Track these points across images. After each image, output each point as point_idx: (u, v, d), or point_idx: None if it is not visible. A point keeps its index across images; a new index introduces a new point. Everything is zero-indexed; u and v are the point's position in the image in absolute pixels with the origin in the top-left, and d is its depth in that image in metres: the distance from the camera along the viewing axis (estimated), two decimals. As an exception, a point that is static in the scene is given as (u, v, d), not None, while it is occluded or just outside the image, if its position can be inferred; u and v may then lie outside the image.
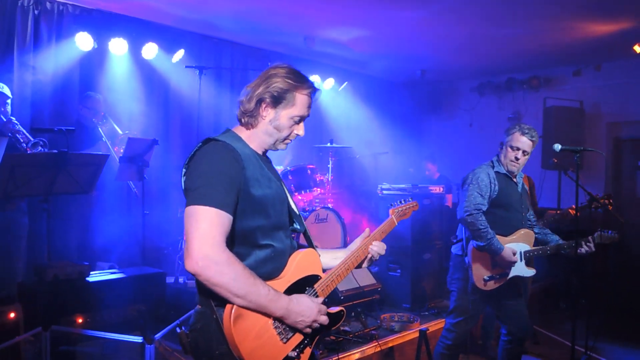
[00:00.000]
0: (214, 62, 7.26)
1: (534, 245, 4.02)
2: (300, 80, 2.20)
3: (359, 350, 4.49)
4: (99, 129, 5.59)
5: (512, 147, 3.94)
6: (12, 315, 3.94)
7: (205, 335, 2.02)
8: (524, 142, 3.90)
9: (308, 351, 2.16)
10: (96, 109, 5.58)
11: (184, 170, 2.11)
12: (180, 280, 5.67)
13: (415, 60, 8.40)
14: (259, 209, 2.06)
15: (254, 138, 2.22)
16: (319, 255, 2.31)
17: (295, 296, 2.06)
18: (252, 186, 2.04)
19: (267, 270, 2.07)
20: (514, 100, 9.06)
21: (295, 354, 2.08)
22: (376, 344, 4.63)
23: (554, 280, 4.61)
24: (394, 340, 4.85)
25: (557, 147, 3.86)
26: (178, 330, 2.09)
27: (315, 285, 2.21)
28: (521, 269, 3.94)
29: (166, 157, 6.71)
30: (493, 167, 4.06)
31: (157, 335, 3.84)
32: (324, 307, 2.14)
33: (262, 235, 2.08)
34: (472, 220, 3.81)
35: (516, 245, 3.90)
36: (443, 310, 5.68)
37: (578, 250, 3.98)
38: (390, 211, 2.76)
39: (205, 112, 6.77)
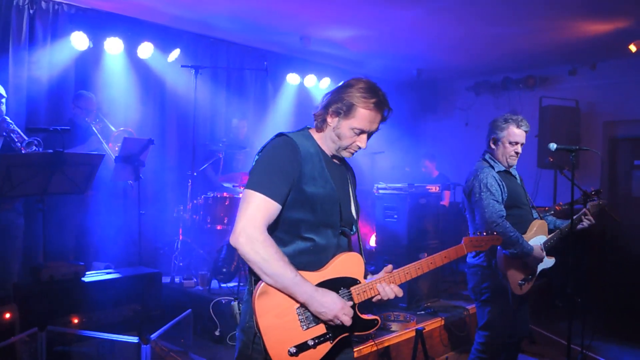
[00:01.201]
0: (210, 61, 7.25)
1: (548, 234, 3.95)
2: (367, 96, 2.25)
3: (356, 349, 4.47)
4: (93, 128, 5.58)
5: (510, 143, 3.82)
6: (7, 315, 3.93)
7: (245, 307, 2.27)
8: (520, 134, 3.82)
9: (327, 346, 2.20)
10: (88, 108, 5.56)
11: (256, 156, 2.29)
12: (177, 280, 5.67)
13: (412, 59, 8.41)
14: (307, 204, 2.21)
15: (323, 141, 2.37)
16: (364, 262, 2.36)
17: (322, 289, 2.17)
18: (306, 183, 2.21)
19: (304, 262, 2.20)
20: (510, 99, 9.07)
21: (313, 343, 2.16)
22: (372, 343, 4.63)
23: (550, 279, 4.63)
24: (390, 339, 4.85)
25: (553, 146, 3.84)
26: (233, 302, 2.46)
27: (352, 288, 2.27)
28: (545, 262, 3.87)
29: (162, 157, 6.70)
30: (492, 167, 3.89)
31: (153, 336, 3.83)
32: (349, 309, 2.20)
33: (306, 228, 2.23)
34: (501, 230, 3.61)
35: (537, 239, 3.83)
36: (439, 310, 5.70)
37: (580, 225, 3.96)
38: (464, 239, 2.61)
39: (201, 111, 6.77)
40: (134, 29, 6.33)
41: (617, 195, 8.10)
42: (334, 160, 2.40)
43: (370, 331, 2.35)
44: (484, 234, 2.73)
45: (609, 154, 8.21)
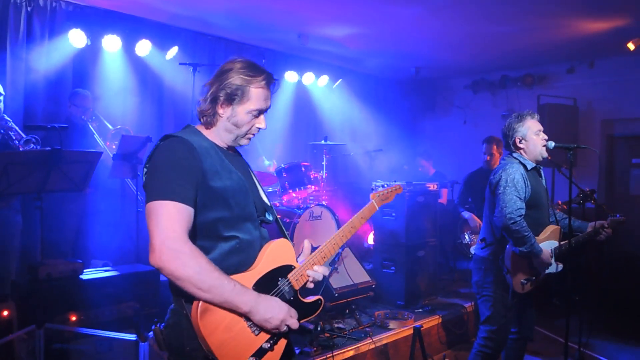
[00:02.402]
0: (208, 59, 7.23)
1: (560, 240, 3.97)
2: (254, 74, 2.14)
3: (353, 347, 4.50)
4: (90, 126, 5.57)
5: (536, 134, 3.85)
6: (5, 313, 3.93)
7: (176, 331, 2.02)
8: (539, 122, 3.90)
9: (283, 342, 2.13)
10: (84, 106, 5.54)
11: (144, 168, 2.09)
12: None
13: (410, 57, 8.41)
14: (219, 201, 2.05)
15: (215, 135, 2.21)
16: (293, 245, 2.27)
17: (263, 295, 2.04)
18: (211, 179, 2.03)
19: (234, 263, 2.06)
20: (508, 97, 9.08)
21: (269, 345, 2.06)
22: (370, 341, 4.64)
23: (547, 276, 4.63)
24: (388, 337, 4.86)
25: (551, 144, 3.84)
26: (153, 327, 2.07)
27: (289, 276, 2.19)
28: (552, 266, 3.89)
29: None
30: (522, 164, 3.86)
31: (151, 333, 3.83)
32: (294, 311, 2.10)
33: (225, 226, 2.06)
34: (516, 227, 3.64)
35: (548, 244, 3.85)
36: (437, 308, 5.71)
37: (597, 237, 4.01)
38: (371, 195, 2.69)
39: (199, 109, 6.75)
40: (131, 26, 6.32)
41: (614, 194, 8.11)
42: (230, 151, 2.26)
43: (316, 314, 2.27)
44: (389, 185, 2.88)
45: (606, 152, 8.21)
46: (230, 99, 2.12)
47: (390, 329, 4.98)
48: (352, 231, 2.46)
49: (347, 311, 5.17)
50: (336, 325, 4.81)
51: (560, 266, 3.95)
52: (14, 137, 4.61)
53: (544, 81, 8.69)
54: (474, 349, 4.09)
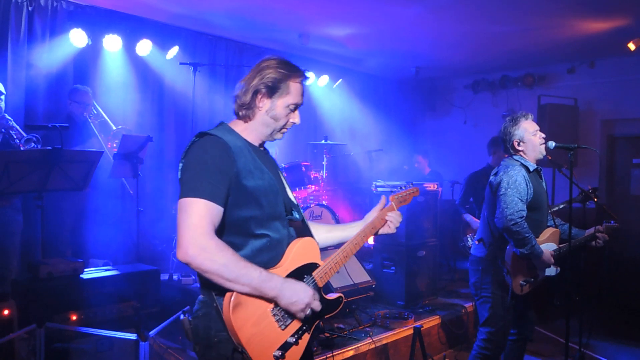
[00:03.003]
0: (209, 58, 7.24)
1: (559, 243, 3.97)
2: (292, 69, 2.26)
3: (353, 347, 4.50)
4: (91, 124, 5.57)
5: (533, 134, 3.86)
6: (6, 312, 3.94)
7: (205, 322, 2.09)
8: (534, 124, 3.90)
9: (306, 337, 2.22)
10: (85, 102, 5.53)
11: (180, 164, 2.15)
12: (175, 277, 5.68)
13: (410, 57, 8.41)
14: (251, 200, 2.11)
15: (251, 130, 2.28)
16: (317, 244, 2.36)
17: (289, 279, 2.12)
18: (244, 178, 2.10)
19: (264, 260, 2.12)
20: (508, 97, 9.08)
21: (294, 339, 2.14)
22: (370, 341, 4.64)
23: (546, 278, 4.64)
24: (388, 337, 4.86)
25: (552, 144, 3.84)
26: (182, 317, 2.15)
27: (314, 273, 2.27)
28: (550, 269, 3.90)
29: (160, 154, 6.71)
30: (524, 166, 3.86)
31: (152, 333, 3.83)
32: (317, 295, 2.19)
33: (256, 225, 2.13)
34: (517, 229, 3.64)
35: (547, 246, 3.85)
36: (437, 308, 5.70)
37: (594, 243, 4.04)
38: (391, 197, 2.73)
39: (200, 108, 6.76)
40: (132, 26, 6.33)
41: (615, 194, 8.11)
42: (260, 148, 2.34)
43: (336, 311, 2.36)
44: (407, 187, 2.85)
45: (607, 152, 8.22)
46: (271, 92, 2.21)
47: (391, 329, 4.98)
48: (373, 231, 2.58)
49: (347, 311, 5.17)
50: (336, 325, 4.81)
51: (558, 269, 3.96)
52: (15, 137, 4.62)
53: (544, 81, 8.69)
54: (473, 350, 4.09)
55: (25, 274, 4.45)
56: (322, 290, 2.29)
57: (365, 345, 4.59)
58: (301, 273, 2.22)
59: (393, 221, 2.59)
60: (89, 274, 4.51)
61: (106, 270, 4.72)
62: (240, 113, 2.27)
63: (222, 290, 2.01)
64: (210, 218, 1.99)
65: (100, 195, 5.64)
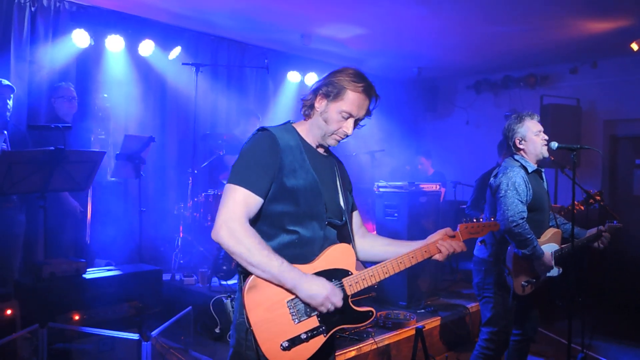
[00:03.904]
0: (211, 59, 7.25)
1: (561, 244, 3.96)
2: (356, 80, 2.29)
3: (355, 347, 4.49)
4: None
5: (536, 134, 3.85)
6: (8, 312, 3.94)
7: (237, 304, 2.26)
8: (539, 123, 3.89)
9: (321, 339, 2.18)
10: (69, 96, 5.33)
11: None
12: (177, 277, 5.68)
13: (412, 58, 8.41)
14: (289, 197, 2.20)
15: (309, 131, 2.36)
16: (355, 254, 2.35)
17: (310, 274, 2.16)
18: (286, 175, 2.20)
19: (290, 255, 2.16)
20: (511, 98, 9.07)
21: (306, 336, 2.14)
22: (372, 341, 4.63)
23: (548, 279, 4.63)
24: (390, 337, 4.86)
25: (554, 145, 3.83)
26: (225, 300, 2.32)
27: (343, 280, 2.26)
28: (553, 270, 3.87)
29: (163, 155, 6.71)
30: (523, 167, 3.85)
31: (154, 333, 3.83)
32: (339, 291, 2.18)
33: (289, 220, 2.22)
34: (519, 230, 3.64)
35: (548, 247, 3.84)
36: (439, 308, 5.70)
37: (597, 244, 4.02)
38: (460, 226, 2.49)
39: (202, 109, 6.78)
40: (135, 26, 6.34)
41: (618, 194, 8.09)
42: (319, 150, 2.39)
43: (365, 323, 2.31)
44: (481, 220, 2.54)
45: (610, 152, 8.20)
46: (327, 94, 2.27)
47: (392, 330, 4.97)
48: (426, 255, 2.43)
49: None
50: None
51: (559, 270, 3.95)
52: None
53: (546, 81, 8.68)
54: (475, 350, 4.09)
55: (28, 274, 4.46)
56: (350, 298, 2.25)
57: (367, 345, 4.59)
58: (330, 276, 2.22)
59: (444, 250, 2.40)
60: (92, 274, 4.52)
61: (108, 270, 4.73)
62: (302, 110, 2.38)
63: (246, 275, 2.14)
64: (246, 206, 2.12)
65: (103, 196, 5.65)
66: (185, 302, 4.73)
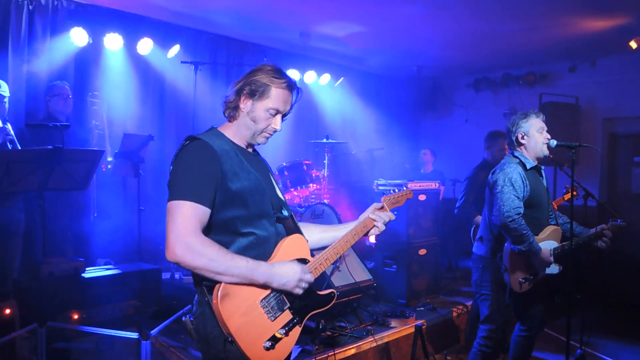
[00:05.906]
0: (210, 57, 7.24)
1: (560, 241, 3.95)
2: (277, 76, 2.31)
3: (355, 345, 4.50)
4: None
5: (539, 131, 3.87)
6: (7, 311, 3.93)
7: (202, 320, 2.16)
8: (542, 121, 3.91)
9: (297, 330, 2.26)
10: (64, 94, 5.30)
11: (171, 167, 2.22)
12: (176, 276, 5.68)
13: (412, 56, 8.40)
14: (237, 201, 2.18)
15: (236, 132, 2.35)
16: (307, 241, 2.41)
17: (277, 262, 2.19)
18: (230, 180, 2.16)
19: (251, 256, 2.15)
20: (510, 96, 9.07)
21: (284, 331, 2.18)
22: (372, 339, 4.64)
23: (549, 275, 4.64)
24: (389, 335, 4.86)
25: (553, 142, 3.84)
26: (183, 318, 2.22)
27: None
28: (551, 267, 3.88)
29: (162, 153, 6.69)
30: (521, 163, 3.87)
31: (153, 331, 3.84)
32: (307, 268, 2.25)
33: (242, 224, 2.20)
34: (514, 226, 3.65)
35: (547, 244, 3.83)
36: (439, 306, 5.71)
37: (599, 244, 3.99)
38: (383, 199, 2.76)
39: (201, 107, 6.75)
40: (133, 24, 6.32)
41: (616, 192, 8.11)
42: (249, 150, 2.41)
43: (330, 305, 2.41)
44: (400, 189, 2.84)
45: (608, 150, 8.21)
46: (252, 94, 2.28)
47: (392, 328, 4.98)
48: (364, 230, 2.60)
49: (348, 310, 5.17)
50: (337, 324, 4.81)
51: (560, 267, 3.95)
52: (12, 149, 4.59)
53: (546, 80, 8.68)
54: (474, 348, 4.11)
55: (27, 273, 4.46)
56: (313, 285, 2.32)
57: (366, 343, 4.59)
58: None
59: (378, 220, 2.58)
60: (91, 273, 4.52)
61: (107, 269, 4.73)
62: (226, 113, 2.36)
63: (211, 287, 2.08)
64: (197, 218, 2.06)
65: (102, 195, 5.64)
66: (185, 300, 4.74)
